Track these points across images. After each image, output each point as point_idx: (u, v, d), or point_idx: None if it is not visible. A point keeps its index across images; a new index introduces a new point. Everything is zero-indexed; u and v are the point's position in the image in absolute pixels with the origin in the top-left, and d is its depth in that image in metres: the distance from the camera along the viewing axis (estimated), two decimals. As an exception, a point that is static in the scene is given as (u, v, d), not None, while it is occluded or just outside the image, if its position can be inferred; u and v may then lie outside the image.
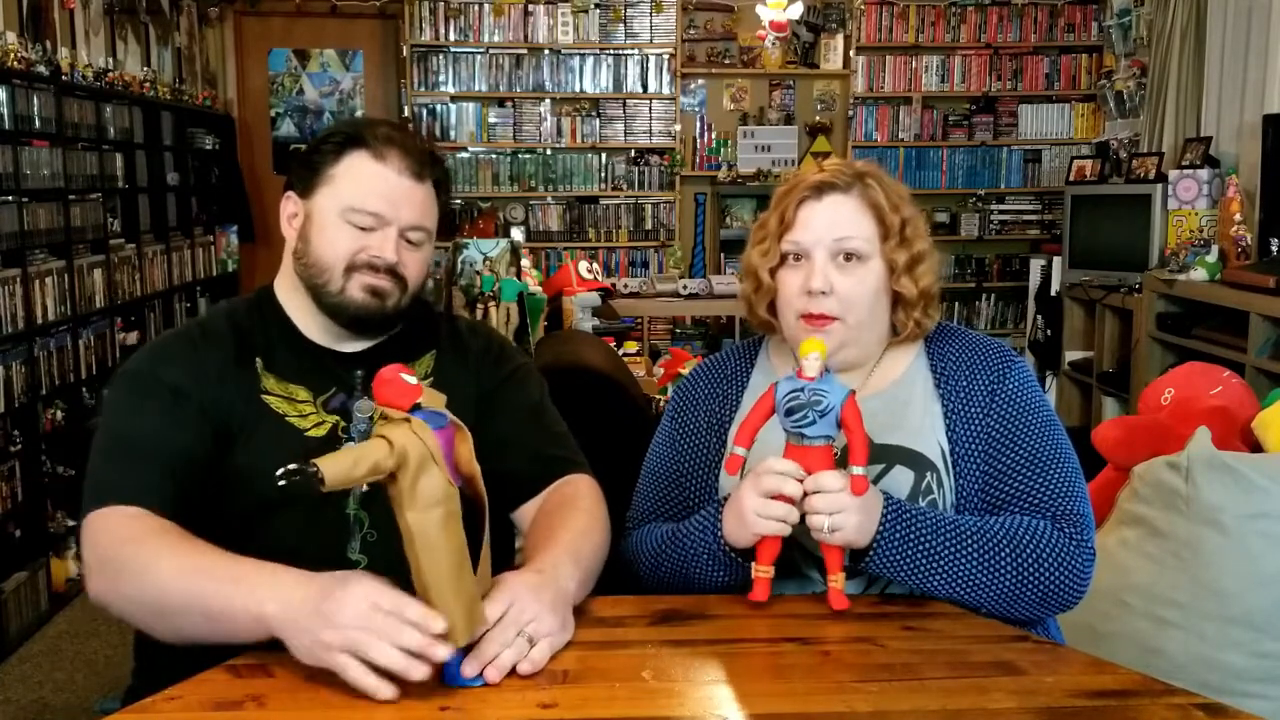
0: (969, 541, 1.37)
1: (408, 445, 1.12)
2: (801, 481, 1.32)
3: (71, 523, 3.98)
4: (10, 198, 3.59)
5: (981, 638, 1.30)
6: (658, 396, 3.44)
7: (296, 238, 1.51)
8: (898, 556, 1.35)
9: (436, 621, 1.11)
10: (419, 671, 1.10)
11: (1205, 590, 2.17)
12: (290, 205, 1.52)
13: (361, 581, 1.15)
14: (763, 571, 1.35)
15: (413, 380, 1.14)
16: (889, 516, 1.35)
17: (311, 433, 1.47)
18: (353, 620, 1.11)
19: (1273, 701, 2.10)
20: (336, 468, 1.09)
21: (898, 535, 1.35)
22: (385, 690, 1.10)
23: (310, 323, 1.53)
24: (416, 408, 1.15)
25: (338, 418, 1.48)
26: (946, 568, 1.36)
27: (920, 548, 1.36)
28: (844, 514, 1.31)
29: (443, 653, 1.11)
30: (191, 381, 1.45)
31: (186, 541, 1.30)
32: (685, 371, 3.51)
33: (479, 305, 3.20)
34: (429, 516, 1.12)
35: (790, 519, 1.32)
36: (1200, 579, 2.18)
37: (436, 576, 1.13)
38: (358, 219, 1.46)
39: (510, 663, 1.16)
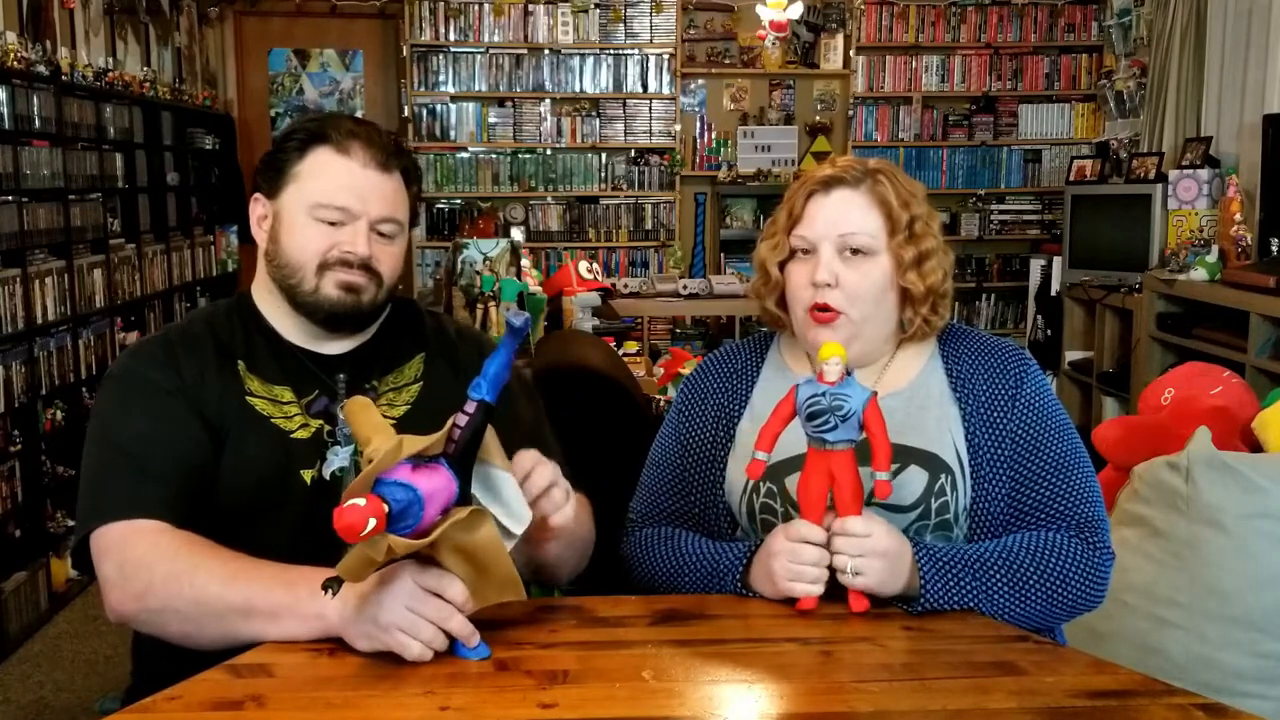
0: (998, 571, 1.39)
1: (400, 549, 1.12)
2: (827, 529, 1.34)
3: (72, 522, 3.98)
4: (10, 198, 3.59)
5: (982, 638, 1.30)
6: (658, 396, 3.44)
7: (267, 239, 1.50)
8: (939, 601, 1.36)
9: (468, 601, 1.19)
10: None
11: (1205, 590, 2.17)
12: (259, 207, 1.51)
13: (406, 567, 1.19)
14: None
15: (362, 503, 1.07)
16: (927, 566, 1.36)
17: (297, 435, 1.46)
18: (405, 604, 1.17)
19: (1273, 701, 2.10)
20: (356, 570, 1.14)
21: (939, 583, 1.36)
22: (427, 654, 1.18)
23: (288, 325, 1.51)
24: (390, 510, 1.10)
25: (322, 422, 1.47)
26: (980, 599, 1.37)
27: (959, 587, 1.37)
28: (867, 559, 1.32)
29: (475, 639, 1.20)
30: (178, 383, 1.44)
31: (219, 549, 1.31)
32: (685, 371, 3.51)
33: (479, 305, 3.20)
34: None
35: (822, 580, 1.34)
36: (1200, 579, 2.18)
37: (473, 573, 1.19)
38: (326, 214, 1.45)
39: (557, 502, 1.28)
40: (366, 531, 1.06)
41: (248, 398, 1.46)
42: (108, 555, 1.33)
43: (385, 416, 1.49)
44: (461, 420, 1.17)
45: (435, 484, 1.13)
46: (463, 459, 1.17)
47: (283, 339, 1.51)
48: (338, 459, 1.46)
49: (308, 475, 1.45)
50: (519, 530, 1.22)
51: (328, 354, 1.52)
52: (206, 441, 1.43)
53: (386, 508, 1.08)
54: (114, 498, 1.36)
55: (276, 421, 1.46)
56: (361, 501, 1.07)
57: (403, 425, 1.50)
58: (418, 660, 1.17)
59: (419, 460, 1.14)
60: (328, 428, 1.47)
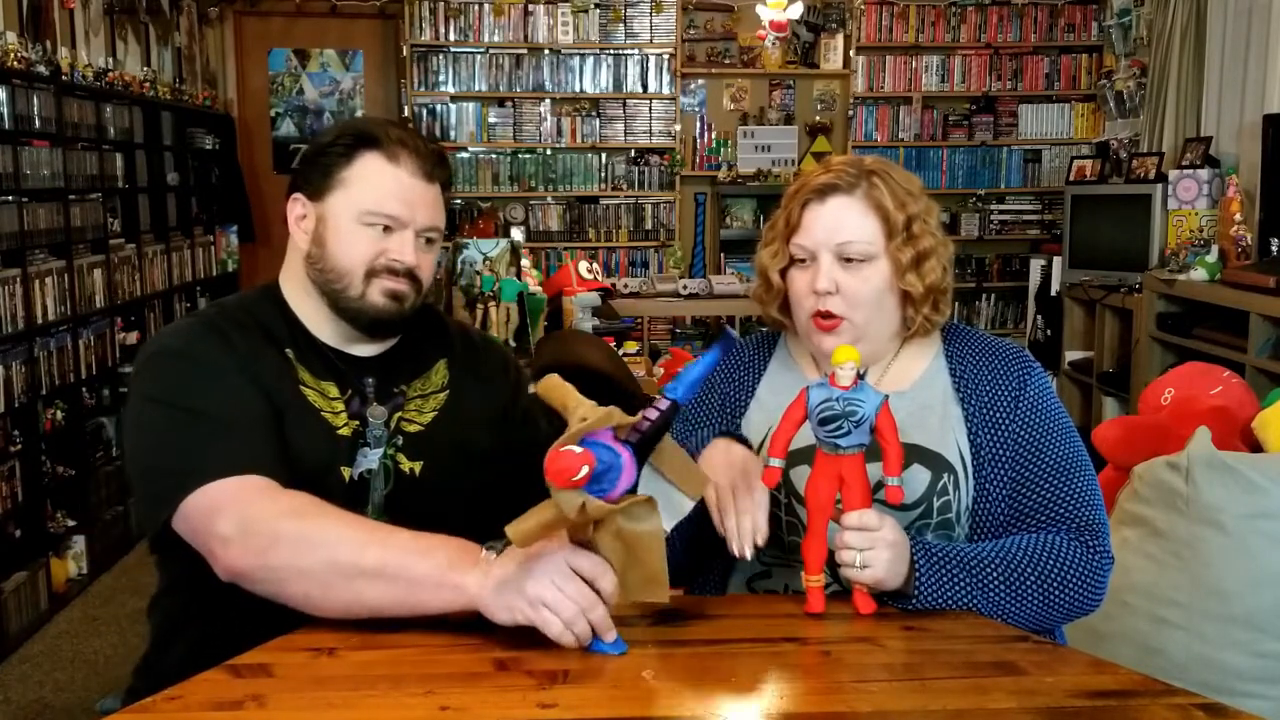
0: (995, 571, 1.39)
1: (593, 511, 1.14)
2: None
3: (72, 522, 3.98)
4: (10, 198, 3.59)
5: (982, 638, 1.30)
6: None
7: (310, 241, 1.49)
8: (933, 598, 1.36)
9: (615, 593, 1.20)
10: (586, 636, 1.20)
11: (1205, 590, 2.17)
12: (299, 207, 1.50)
13: (561, 547, 1.20)
14: (814, 581, 1.34)
15: (578, 449, 1.11)
16: (922, 563, 1.36)
17: (341, 431, 1.47)
18: (553, 579, 1.17)
19: (1273, 701, 2.10)
20: (529, 534, 1.15)
21: (933, 581, 1.36)
22: (568, 636, 1.18)
23: (322, 325, 1.51)
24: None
25: (357, 422, 1.48)
26: (976, 599, 1.37)
27: (954, 586, 1.37)
28: (876, 550, 1.32)
29: (614, 634, 1.20)
30: (235, 357, 1.42)
31: (346, 513, 1.31)
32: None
33: (479, 305, 3.20)
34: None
35: None
36: (1200, 579, 2.18)
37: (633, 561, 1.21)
38: (376, 221, 1.45)
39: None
40: (578, 478, 1.09)
41: (301, 386, 1.46)
42: (221, 512, 1.28)
43: (412, 424, 1.51)
44: (651, 414, 1.20)
45: (629, 463, 1.15)
46: (642, 450, 1.19)
47: (315, 338, 1.51)
48: (366, 460, 1.47)
49: (347, 473, 1.45)
50: (669, 525, 1.24)
51: (358, 356, 1.52)
52: (270, 415, 1.41)
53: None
54: (213, 457, 1.32)
55: (326, 415, 1.46)
56: (577, 449, 1.10)
57: (430, 432, 1.52)
58: (556, 639, 1.17)
59: (619, 434, 1.16)
60: (361, 428, 1.47)
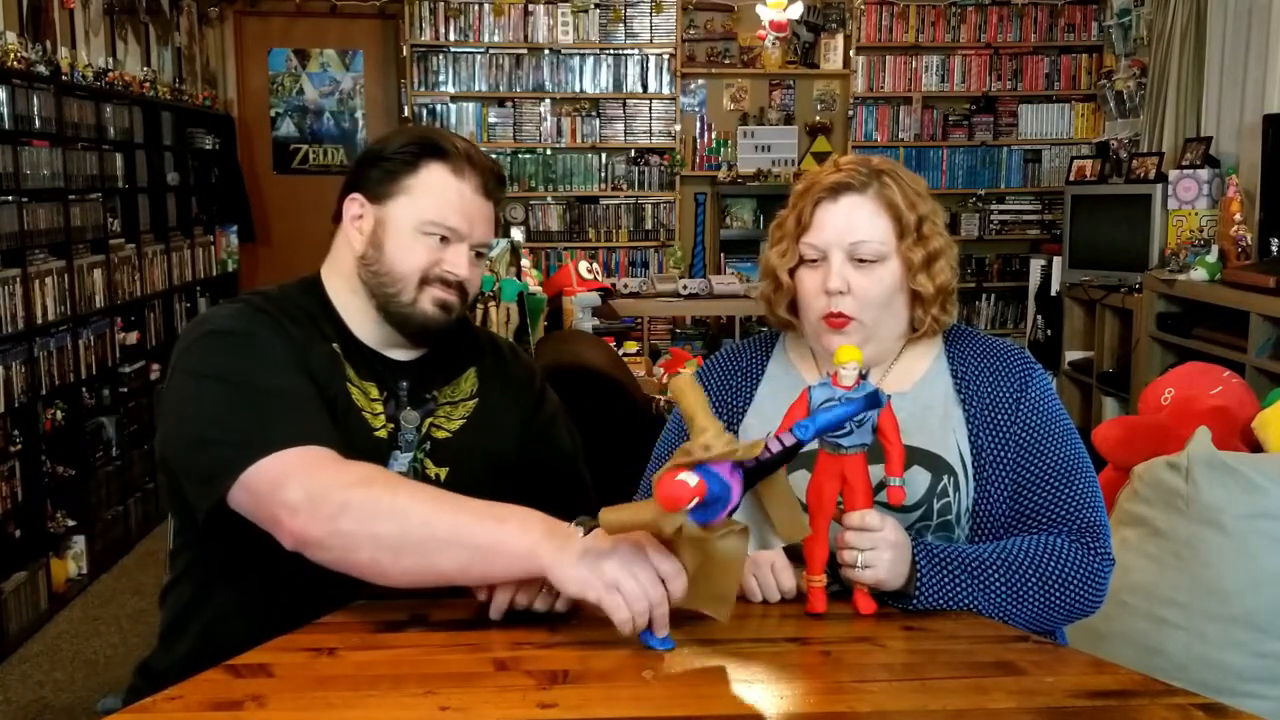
0: (996, 573, 1.39)
1: (688, 533, 1.15)
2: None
3: (72, 522, 3.98)
4: (10, 198, 3.59)
5: (981, 638, 1.30)
6: (658, 396, 3.44)
7: (366, 243, 1.49)
8: (934, 599, 1.36)
9: (681, 599, 1.20)
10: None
11: (1205, 590, 2.17)
12: (356, 207, 1.51)
13: (648, 541, 1.20)
14: (816, 581, 1.34)
15: (692, 481, 1.11)
16: (924, 563, 1.36)
17: (379, 433, 1.47)
18: (632, 571, 1.18)
19: (1273, 701, 2.10)
20: (621, 524, 1.16)
21: (934, 581, 1.36)
22: (628, 626, 1.18)
23: (364, 325, 1.51)
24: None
25: (392, 425, 1.49)
26: (976, 599, 1.38)
27: (955, 587, 1.37)
28: (878, 551, 1.32)
29: (666, 631, 1.21)
30: (289, 344, 1.42)
31: (414, 481, 1.33)
32: (686, 371, 3.51)
33: (479, 305, 3.20)
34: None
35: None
36: (1200, 579, 2.18)
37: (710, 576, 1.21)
38: (435, 231, 1.47)
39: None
40: (686, 509, 1.11)
41: (348, 384, 1.47)
42: (288, 481, 1.27)
43: (441, 430, 1.52)
44: (774, 446, 1.19)
45: (736, 490, 1.16)
46: (752, 477, 1.19)
47: (357, 337, 1.52)
48: (396, 464, 1.47)
49: None
50: (751, 550, 1.25)
51: (394, 359, 1.53)
52: (324, 401, 1.41)
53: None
54: (276, 427, 1.31)
55: (366, 416, 1.47)
56: (693, 480, 1.11)
57: (458, 440, 1.53)
58: (619, 626, 1.18)
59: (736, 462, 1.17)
60: (394, 431, 1.48)
